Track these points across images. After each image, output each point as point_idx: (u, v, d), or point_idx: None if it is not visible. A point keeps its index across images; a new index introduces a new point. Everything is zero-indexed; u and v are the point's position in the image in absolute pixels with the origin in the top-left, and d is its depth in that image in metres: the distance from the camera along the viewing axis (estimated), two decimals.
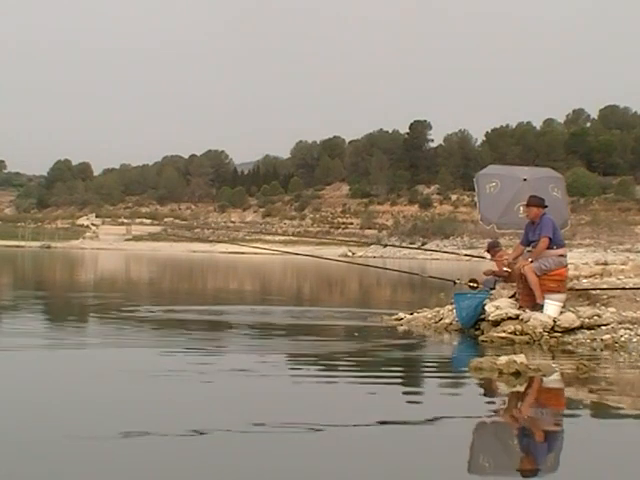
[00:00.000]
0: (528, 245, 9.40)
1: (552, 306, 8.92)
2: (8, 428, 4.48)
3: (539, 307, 8.98)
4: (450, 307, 10.31)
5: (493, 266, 11.09)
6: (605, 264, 11.99)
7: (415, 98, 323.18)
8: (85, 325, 10.74)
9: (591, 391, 5.98)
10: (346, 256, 62.31)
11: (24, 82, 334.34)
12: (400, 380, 6.64)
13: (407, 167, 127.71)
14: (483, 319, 9.47)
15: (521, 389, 6.17)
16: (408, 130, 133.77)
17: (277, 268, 41.12)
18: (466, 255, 18.92)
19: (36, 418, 4.73)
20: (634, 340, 8.29)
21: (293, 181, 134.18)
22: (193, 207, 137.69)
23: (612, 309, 9.05)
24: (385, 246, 70.32)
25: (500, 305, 9.24)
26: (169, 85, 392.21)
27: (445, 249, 73.25)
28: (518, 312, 9.01)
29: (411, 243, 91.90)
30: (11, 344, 7.72)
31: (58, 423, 4.61)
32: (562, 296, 9.09)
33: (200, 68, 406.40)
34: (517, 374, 6.41)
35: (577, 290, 9.83)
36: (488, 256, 11.45)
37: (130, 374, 6.23)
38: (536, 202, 9.28)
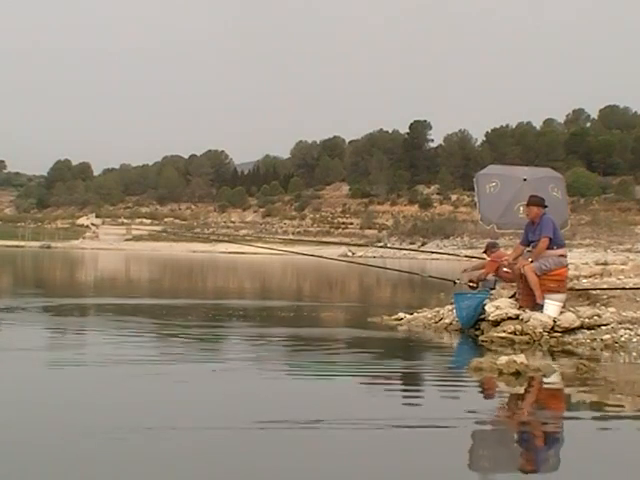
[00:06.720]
0: (528, 245, 9.39)
1: (552, 306, 8.92)
2: None
3: (539, 307, 8.98)
4: (450, 307, 10.31)
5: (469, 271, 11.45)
6: (605, 264, 11.99)
7: (415, 98, 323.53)
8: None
9: (591, 391, 5.98)
10: (346, 256, 62.22)
11: (24, 82, 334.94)
12: (400, 380, 6.63)
13: (407, 167, 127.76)
14: (483, 319, 9.46)
15: (521, 389, 6.16)
16: (408, 130, 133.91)
17: (277, 268, 41.10)
18: (466, 257, 18.90)
19: None
20: (634, 340, 8.29)
21: (293, 181, 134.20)
22: (193, 207, 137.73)
23: (612, 309, 9.05)
24: (385, 246, 70.32)
25: (500, 305, 9.23)
26: (169, 85, 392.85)
27: (445, 249, 73.29)
28: (518, 312, 9.00)
29: (411, 243, 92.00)
30: None
31: None
32: (562, 296, 9.08)
33: (200, 68, 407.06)
34: (517, 374, 6.41)
35: (577, 290, 9.83)
36: (487, 257, 11.45)
37: None
38: (536, 202, 9.27)
